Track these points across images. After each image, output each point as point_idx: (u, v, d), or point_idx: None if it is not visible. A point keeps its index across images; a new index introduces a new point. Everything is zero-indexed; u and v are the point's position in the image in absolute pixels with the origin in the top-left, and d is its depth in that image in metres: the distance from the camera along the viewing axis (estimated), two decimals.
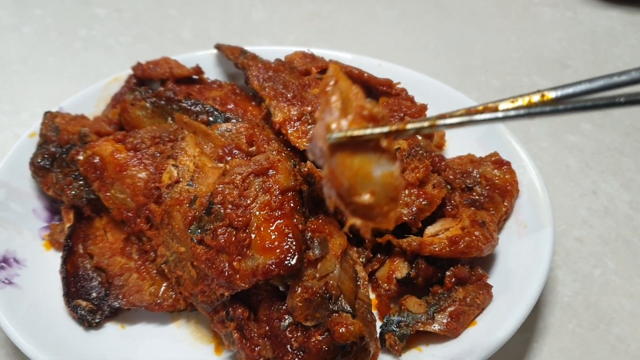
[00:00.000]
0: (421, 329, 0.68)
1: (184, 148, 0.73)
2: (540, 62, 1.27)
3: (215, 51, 0.99)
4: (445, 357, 0.65)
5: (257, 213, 0.66)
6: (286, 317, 0.63)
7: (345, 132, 0.42)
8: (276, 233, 0.63)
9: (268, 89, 0.82)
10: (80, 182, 0.77)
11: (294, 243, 0.62)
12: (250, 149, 0.75)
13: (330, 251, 0.65)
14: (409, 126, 0.42)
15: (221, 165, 0.72)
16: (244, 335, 0.64)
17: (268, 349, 0.63)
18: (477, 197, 0.78)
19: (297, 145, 0.76)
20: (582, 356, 0.74)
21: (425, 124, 0.42)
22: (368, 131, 0.42)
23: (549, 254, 0.71)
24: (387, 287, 0.73)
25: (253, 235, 0.65)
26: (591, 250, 0.87)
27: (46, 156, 0.80)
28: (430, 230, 0.75)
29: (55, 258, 0.76)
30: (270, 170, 0.66)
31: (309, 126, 0.77)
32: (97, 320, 0.70)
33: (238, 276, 0.64)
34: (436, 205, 0.75)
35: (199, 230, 0.66)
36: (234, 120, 0.80)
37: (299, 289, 0.63)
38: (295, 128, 0.77)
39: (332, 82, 0.44)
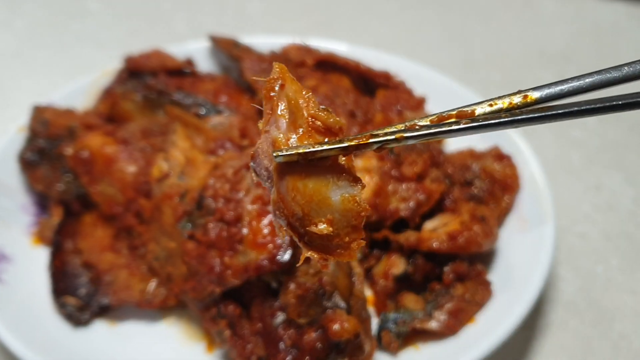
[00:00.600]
0: (418, 326, 0.66)
1: (175, 141, 0.72)
2: (543, 56, 1.24)
3: (208, 43, 0.97)
4: (443, 355, 0.64)
5: (249, 207, 0.64)
6: (279, 314, 0.62)
7: (295, 149, 0.35)
8: (269, 228, 0.62)
9: (262, 82, 0.80)
10: (69, 177, 0.76)
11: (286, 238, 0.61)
12: (243, 142, 0.74)
13: None
14: (372, 140, 0.35)
15: (213, 158, 0.71)
16: (235, 332, 0.63)
17: (260, 347, 0.62)
18: (476, 192, 0.77)
19: None
20: (583, 354, 0.72)
21: (391, 137, 0.35)
22: (323, 147, 0.35)
23: (551, 250, 0.70)
24: (383, 284, 0.72)
25: (245, 230, 0.63)
26: (594, 246, 0.85)
27: (35, 151, 0.79)
28: (428, 225, 0.73)
29: (43, 254, 0.75)
30: None
31: None
32: (85, 317, 0.69)
33: (229, 272, 0.62)
34: (435, 200, 0.73)
35: (190, 225, 0.65)
36: (226, 114, 0.78)
37: (292, 285, 0.61)
38: None
39: (277, 86, 0.37)
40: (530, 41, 1.29)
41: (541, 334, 0.74)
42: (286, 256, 0.61)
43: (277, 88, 0.37)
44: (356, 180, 0.36)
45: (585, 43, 1.28)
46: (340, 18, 1.35)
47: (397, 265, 0.72)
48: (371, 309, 0.70)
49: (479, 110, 0.35)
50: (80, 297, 0.70)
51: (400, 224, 0.73)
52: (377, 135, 0.36)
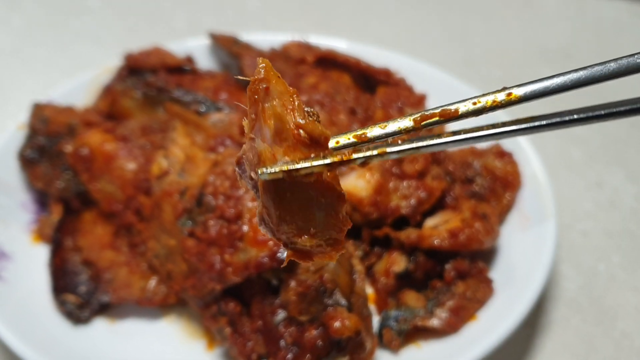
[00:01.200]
0: (420, 324, 0.66)
1: (175, 139, 0.71)
2: (544, 53, 1.24)
3: (208, 40, 0.97)
4: (445, 353, 0.64)
5: (250, 204, 0.64)
6: (280, 312, 0.61)
7: (280, 166, 0.35)
8: None
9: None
10: (69, 175, 0.76)
11: None
12: (243, 139, 0.73)
13: None
14: (355, 155, 0.36)
15: (213, 155, 0.70)
16: (236, 330, 0.63)
17: (261, 345, 0.62)
18: (478, 189, 0.77)
19: None
20: (585, 352, 0.72)
21: (374, 152, 0.36)
22: (307, 164, 0.35)
23: (552, 247, 0.69)
24: (385, 281, 0.71)
25: (245, 227, 0.63)
26: (596, 243, 0.85)
27: (35, 148, 0.79)
28: (429, 222, 0.73)
29: (43, 252, 0.75)
30: None
31: None
32: (85, 315, 0.69)
33: (230, 269, 0.62)
34: (436, 197, 0.73)
35: (190, 222, 0.65)
36: (226, 111, 0.78)
37: (293, 282, 0.61)
38: None
39: (262, 87, 0.35)
40: (531, 38, 1.28)
41: (543, 332, 0.74)
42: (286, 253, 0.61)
43: (260, 90, 0.35)
44: (340, 196, 0.37)
45: (587, 40, 1.28)
46: (341, 16, 1.34)
47: (398, 262, 0.72)
48: (372, 307, 0.70)
49: (462, 108, 0.35)
50: (80, 294, 0.70)
51: (401, 222, 0.72)
52: (360, 151, 0.36)
